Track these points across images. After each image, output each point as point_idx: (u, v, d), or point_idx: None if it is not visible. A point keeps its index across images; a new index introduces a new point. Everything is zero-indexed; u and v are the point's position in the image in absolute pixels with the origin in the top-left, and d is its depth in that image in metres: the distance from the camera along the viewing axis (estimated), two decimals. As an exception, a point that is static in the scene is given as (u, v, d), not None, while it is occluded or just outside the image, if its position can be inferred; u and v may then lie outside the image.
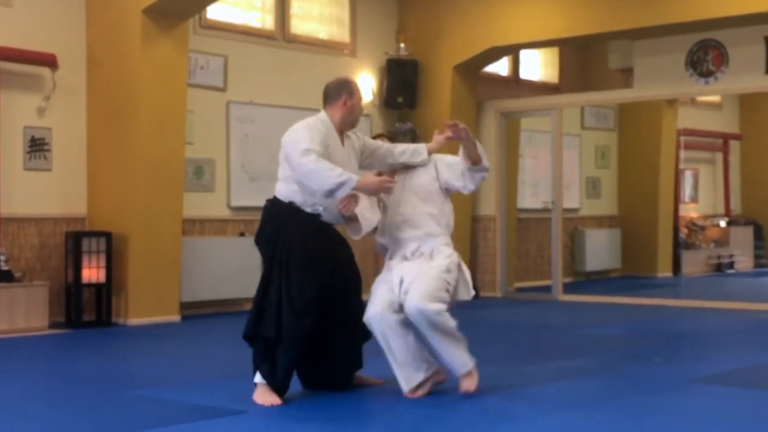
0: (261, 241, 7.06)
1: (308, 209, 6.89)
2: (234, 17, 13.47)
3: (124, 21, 11.68)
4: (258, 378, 6.85)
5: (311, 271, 6.83)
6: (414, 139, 7.58)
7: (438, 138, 7.45)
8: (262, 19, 13.82)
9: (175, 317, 11.97)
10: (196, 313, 12.46)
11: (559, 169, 15.13)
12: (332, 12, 14.64)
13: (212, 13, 13.04)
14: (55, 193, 11.79)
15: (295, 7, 14.13)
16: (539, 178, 16.69)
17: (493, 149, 15.26)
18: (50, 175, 11.74)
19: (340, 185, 6.64)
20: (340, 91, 7.09)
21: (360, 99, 7.18)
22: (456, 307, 7.07)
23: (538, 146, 16.62)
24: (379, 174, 7.24)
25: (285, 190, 6.96)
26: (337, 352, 7.13)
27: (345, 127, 7.14)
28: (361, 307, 7.07)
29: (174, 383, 7.70)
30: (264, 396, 6.80)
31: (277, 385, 6.83)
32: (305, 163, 6.66)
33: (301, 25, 14.21)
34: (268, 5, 13.85)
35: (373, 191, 6.93)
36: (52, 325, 11.21)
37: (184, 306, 12.24)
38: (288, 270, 6.79)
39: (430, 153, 7.38)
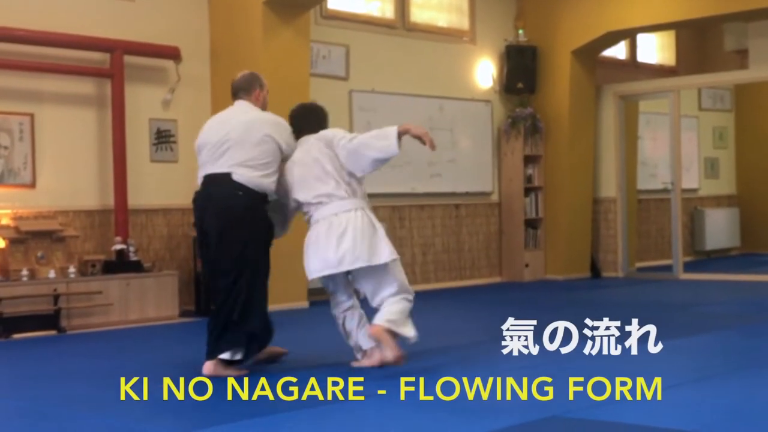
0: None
1: None
2: (354, 7, 12.43)
3: (246, 13, 10.74)
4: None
5: None
6: None
7: None
8: (382, 8, 12.76)
9: (304, 304, 10.97)
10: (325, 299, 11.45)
11: (678, 150, 14.07)
12: (451, 0, 13.56)
13: (333, 3, 12.05)
14: (182, 184, 10.57)
15: (415, -4, 13.08)
16: (658, 160, 15.54)
17: (612, 132, 14.37)
18: (176, 166, 10.73)
19: None
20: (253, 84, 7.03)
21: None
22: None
23: (657, 128, 15.53)
24: None
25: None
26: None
27: None
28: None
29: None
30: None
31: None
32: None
33: (420, 13, 13.13)
34: (388, -5, 12.82)
35: None
36: (183, 314, 10.24)
37: (312, 293, 11.06)
38: None
39: None
